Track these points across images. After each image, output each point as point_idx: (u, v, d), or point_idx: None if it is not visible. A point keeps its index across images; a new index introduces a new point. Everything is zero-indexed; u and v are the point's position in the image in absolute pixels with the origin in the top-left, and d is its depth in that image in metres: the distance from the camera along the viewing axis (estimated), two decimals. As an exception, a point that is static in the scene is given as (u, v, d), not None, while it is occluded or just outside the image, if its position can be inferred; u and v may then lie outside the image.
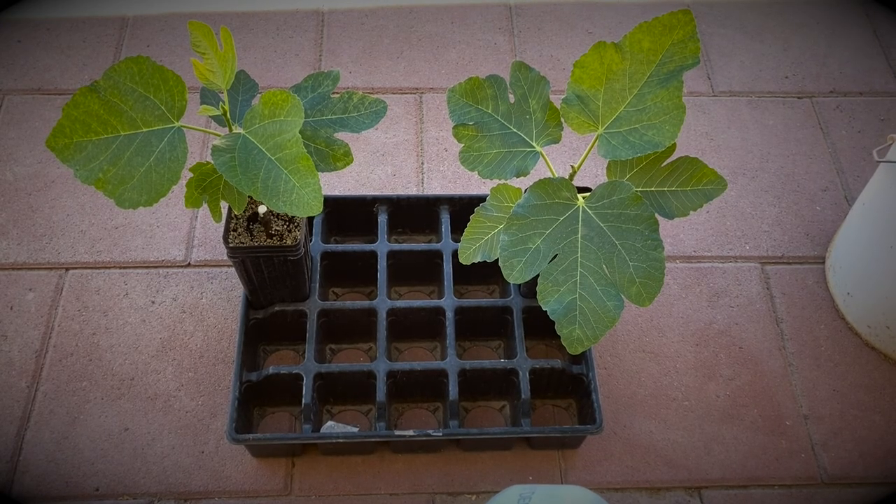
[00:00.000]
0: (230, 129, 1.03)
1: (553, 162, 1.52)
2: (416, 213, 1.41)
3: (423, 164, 1.57)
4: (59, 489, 1.20)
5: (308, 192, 0.96)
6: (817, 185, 1.58)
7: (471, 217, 1.11)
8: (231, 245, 1.14)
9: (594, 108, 1.02)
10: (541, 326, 1.29)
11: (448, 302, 1.28)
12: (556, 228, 1.00)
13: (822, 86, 1.74)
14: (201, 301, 1.38)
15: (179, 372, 1.31)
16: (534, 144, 1.08)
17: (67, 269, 1.41)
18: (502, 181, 1.09)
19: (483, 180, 1.39)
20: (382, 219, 1.37)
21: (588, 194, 1.01)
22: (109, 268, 1.42)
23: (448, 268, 1.31)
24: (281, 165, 0.96)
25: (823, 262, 1.48)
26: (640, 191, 1.05)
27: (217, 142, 0.98)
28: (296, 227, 1.17)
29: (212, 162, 0.99)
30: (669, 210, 1.05)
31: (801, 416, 1.31)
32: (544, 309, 0.99)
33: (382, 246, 1.33)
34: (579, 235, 1.00)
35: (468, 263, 1.12)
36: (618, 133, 1.02)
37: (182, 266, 1.42)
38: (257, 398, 1.25)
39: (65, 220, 1.47)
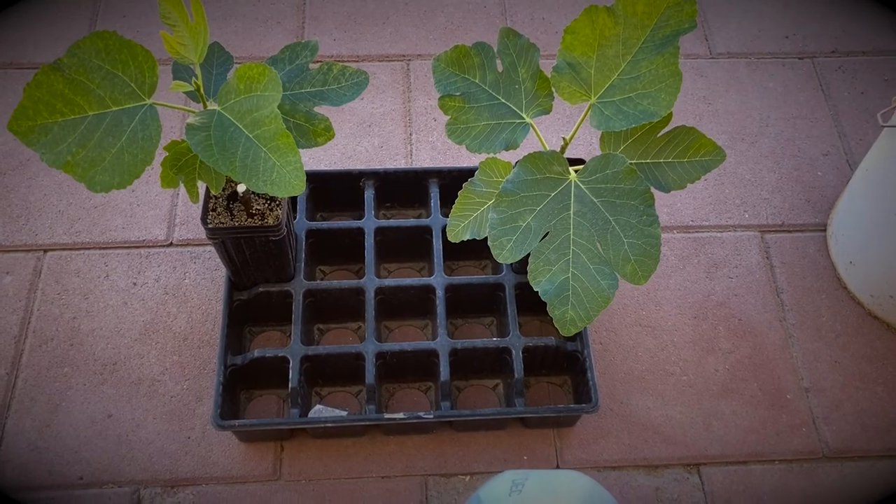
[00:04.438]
0: (204, 106, 0.98)
1: (545, 133, 1.47)
2: (404, 187, 1.36)
3: (411, 134, 1.52)
4: (42, 478, 1.17)
5: (289, 170, 0.91)
6: (818, 150, 1.53)
7: (459, 193, 1.07)
8: (210, 226, 1.09)
9: (586, 76, 0.96)
10: (534, 303, 1.25)
11: (438, 280, 1.24)
12: (548, 205, 0.96)
13: (824, 45, 1.68)
14: (184, 282, 1.34)
15: (163, 356, 1.27)
16: (524, 116, 1.03)
17: (46, 251, 1.37)
18: (491, 155, 1.05)
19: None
20: (369, 194, 1.32)
21: (581, 168, 0.97)
22: (89, 249, 1.37)
23: (438, 244, 1.27)
24: (259, 143, 0.92)
25: (825, 230, 1.44)
26: (635, 163, 1.01)
27: (191, 119, 0.93)
28: (277, 205, 1.13)
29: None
30: (666, 183, 1.00)
31: (801, 388, 1.28)
32: (536, 289, 0.95)
33: (369, 222, 1.28)
34: (571, 212, 0.96)
35: (457, 242, 1.08)
36: (611, 103, 0.97)
37: (164, 246, 1.38)
38: (243, 382, 1.22)
39: (42, 199, 1.42)
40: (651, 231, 0.93)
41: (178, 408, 1.23)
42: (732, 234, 1.43)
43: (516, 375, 1.16)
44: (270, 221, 1.11)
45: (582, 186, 0.96)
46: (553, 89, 1.01)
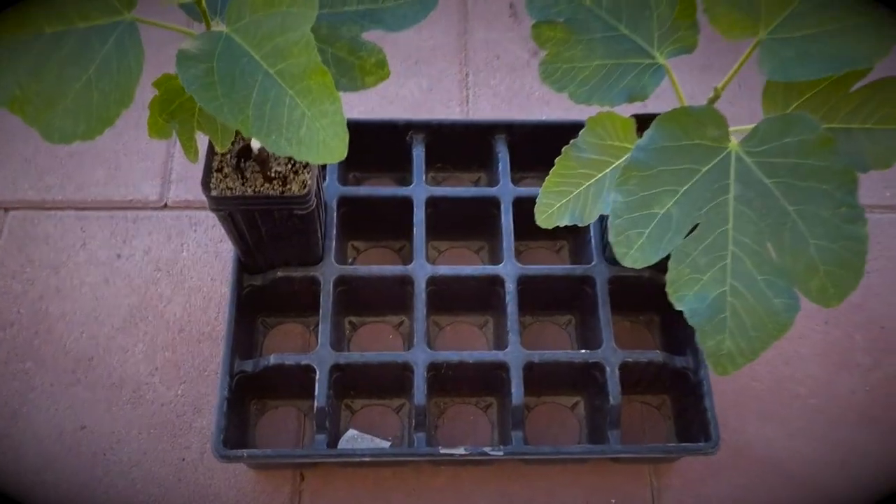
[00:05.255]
0: (207, 26, 0.69)
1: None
2: (461, 143, 1.07)
3: (467, 76, 1.22)
4: (-6, 509, 0.91)
5: (324, 124, 0.62)
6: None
7: (556, 160, 0.78)
8: (213, 193, 0.81)
9: (756, -1, 0.67)
10: (628, 298, 0.98)
11: (508, 269, 0.95)
12: (697, 184, 0.67)
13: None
14: (181, 255, 1.06)
15: (153, 351, 1.00)
16: (655, 54, 0.74)
17: (7, 210, 1.09)
18: (606, 108, 0.75)
19: (556, 103, 1.05)
20: (419, 152, 1.03)
21: (746, 133, 0.67)
22: (62, 209, 1.09)
23: (507, 221, 0.98)
24: (283, 83, 0.63)
25: None
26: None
27: (185, 44, 0.64)
28: (304, 166, 0.84)
29: (181, 74, 0.65)
30: (862, 159, 0.71)
31: (963, 420, 1.00)
32: (677, 307, 0.66)
33: (420, 190, 0.99)
34: (731, 196, 0.66)
35: (549, 227, 0.79)
36: (790, 40, 0.67)
37: (156, 208, 1.09)
38: (255, 391, 0.95)
39: (4, 144, 1.13)
40: (853, 230, 0.63)
41: (170, 419, 0.96)
42: (873, 217, 1.13)
43: (611, 401, 0.88)
44: (295, 189, 0.83)
45: (747, 160, 0.66)
46: (698, 16, 0.71)
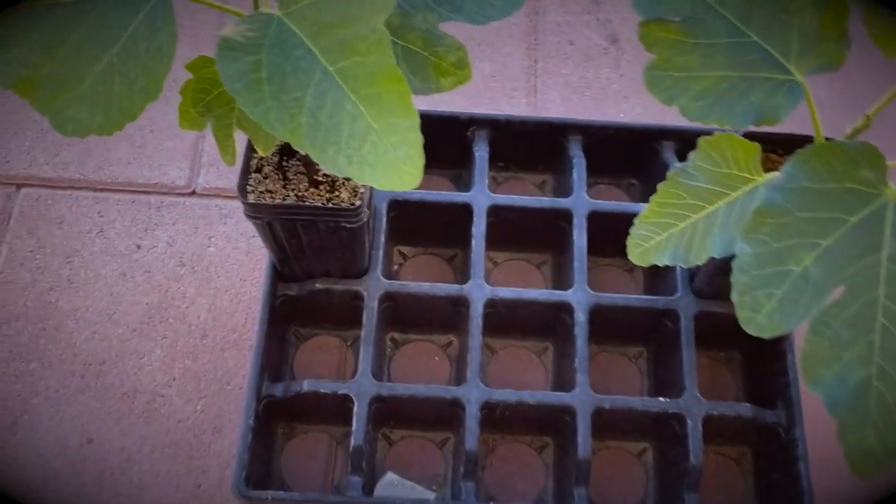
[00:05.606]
0: (256, 6, 0.57)
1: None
2: (528, 141, 0.94)
3: (536, 62, 1.09)
4: (-13, 529, 0.81)
5: (395, 142, 0.51)
6: None
7: (658, 186, 0.65)
8: (251, 200, 0.69)
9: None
10: (710, 333, 0.85)
11: (579, 296, 0.83)
12: (844, 238, 0.54)
13: None
14: (208, 250, 0.95)
15: (171, 358, 0.89)
16: (792, 69, 0.61)
17: (19, 187, 0.98)
18: (725, 128, 0.63)
19: (636, 99, 0.92)
20: (482, 153, 0.90)
21: (909, 178, 0.54)
22: (79, 189, 0.98)
23: (580, 239, 0.86)
24: (345, 85, 0.51)
25: None
26: None
27: (228, 30, 0.52)
28: (357, 171, 0.72)
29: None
30: None
31: None
32: (813, 391, 0.54)
33: (481, 198, 0.87)
34: (884, 254, 0.54)
35: (644, 264, 0.67)
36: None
37: (183, 195, 0.98)
38: (284, 414, 0.84)
39: (18, 112, 1.02)
40: None
41: (186, 439, 0.86)
42: None
43: (692, 460, 0.76)
44: (345, 196, 0.71)
45: (910, 213, 0.54)
46: (850, 26, 0.58)
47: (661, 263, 0.66)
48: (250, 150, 0.71)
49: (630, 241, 0.67)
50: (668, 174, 0.64)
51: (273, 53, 0.52)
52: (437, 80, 0.61)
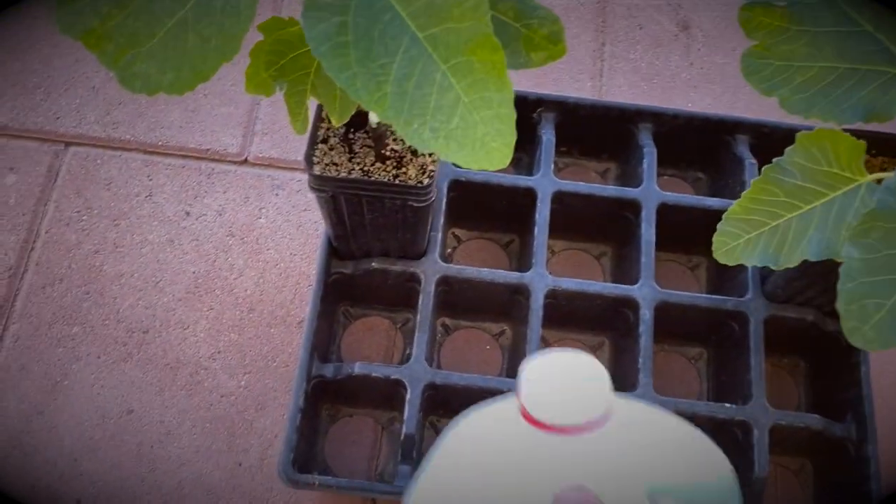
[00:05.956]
0: (340, -35, 0.53)
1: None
2: (594, 127, 0.90)
3: (603, 45, 1.04)
4: (23, 495, 0.79)
5: (486, 116, 0.47)
6: None
7: (752, 181, 0.61)
8: (316, 172, 0.66)
9: None
10: (777, 338, 0.81)
11: (645, 292, 0.79)
12: (964, 250, 0.50)
13: None
14: (258, 221, 0.92)
15: (216, 330, 0.87)
16: (909, 64, 0.56)
17: (67, 145, 0.95)
18: (828, 124, 0.59)
19: (705, 89, 0.87)
20: (548, 136, 0.86)
21: None
22: (129, 150, 0.95)
23: (648, 232, 0.82)
24: (435, 53, 0.47)
25: None
26: None
27: (314, -11, 0.49)
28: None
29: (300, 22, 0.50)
30: None
31: None
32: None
33: (546, 183, 0.84)
34: None
35: (730, 263, 0.63)
36: None
37: (235, 163, 0.95)
38: (331, 395, 0.81)
39: (70, 68, 0.99)
40: None
41: (228, 414, 0.83)
42: None
43: (756, 472, 0.73)
44: (412, 173, 0.67)
45: None
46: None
47: (749, 264, 0.62)
48: (318, 119, 0.68)
49: (716, 239, 0.64)
50: (763, 169, 0.60)
51: (360, 16, 0.48)
52: (528, 55, 0.57)
